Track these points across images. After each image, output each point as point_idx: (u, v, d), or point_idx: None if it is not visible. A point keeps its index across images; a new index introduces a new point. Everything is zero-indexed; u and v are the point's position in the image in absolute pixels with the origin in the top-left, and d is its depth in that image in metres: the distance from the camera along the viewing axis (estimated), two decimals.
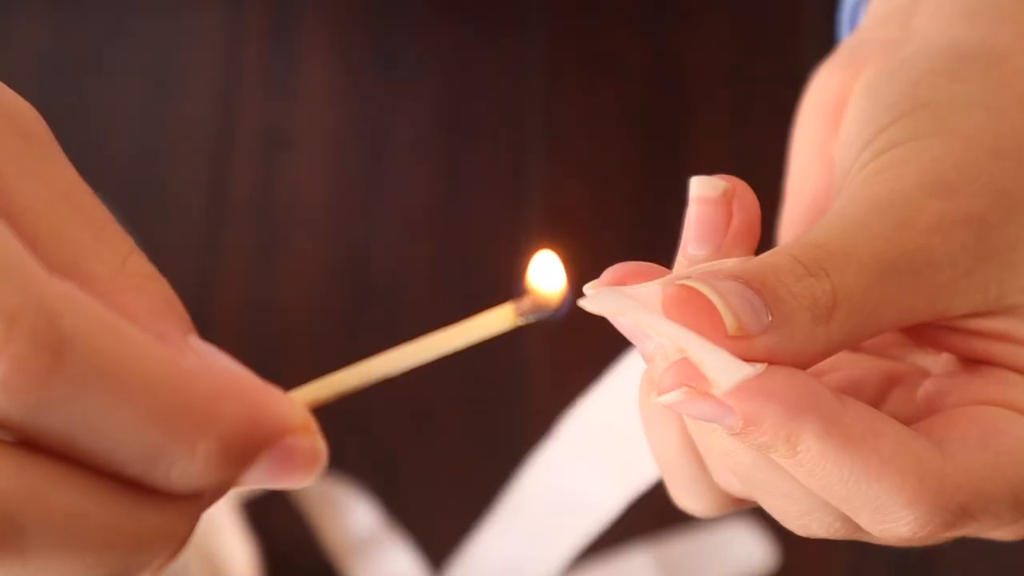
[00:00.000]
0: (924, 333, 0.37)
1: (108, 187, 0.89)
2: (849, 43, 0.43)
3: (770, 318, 0.33)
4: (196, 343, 0.29)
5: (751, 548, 0.83)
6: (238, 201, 0.92)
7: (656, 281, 0.34)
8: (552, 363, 0.87)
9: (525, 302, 0.32)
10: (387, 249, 0.91)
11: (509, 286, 0.89)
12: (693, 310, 0.33)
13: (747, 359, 0.33)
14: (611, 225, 0.92)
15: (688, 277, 0.33)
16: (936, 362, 0.39)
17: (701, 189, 0.36)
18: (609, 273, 0.35)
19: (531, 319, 0.33)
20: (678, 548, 0.82)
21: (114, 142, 0.93)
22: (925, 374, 0.39)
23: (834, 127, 0.41)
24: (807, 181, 0.43)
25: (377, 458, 0.84)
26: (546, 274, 0.33)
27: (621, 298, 0.34)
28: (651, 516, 0.82)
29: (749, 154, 0.94)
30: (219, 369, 0.28)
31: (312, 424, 0.29)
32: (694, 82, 0.98)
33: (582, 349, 0.86)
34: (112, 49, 0.96)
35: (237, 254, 0.90)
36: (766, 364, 0.33)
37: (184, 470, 0.27)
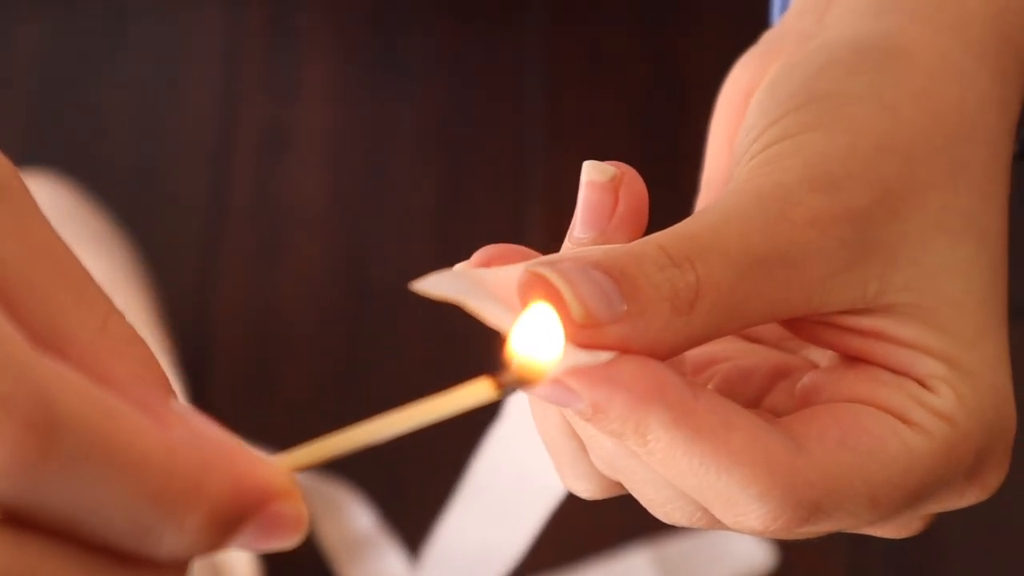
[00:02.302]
0: (803, 328, 0.37)
1: (108, 187, 0.89)
2: (769, 34, 0.43)
3: (625, 307, 0.33)
4: (178, 408, 0.28)
5: (750, 547, 0.83)
6: (238, 201, 0.92)
7: (518, 265, 0.34)
8: None
9: (507, 374, 0.32)
10: (387, 249, 0.91)
11: None
12: (541, 296, 0.32)
13: (598, 347, 0.32)
14: None
15: (545, 263, 0.33)
16: (825, 357, 0.39)
17: (590, 174, 0.36)
18: (478, 255, 0.35)
19: (513, 391, 0.32)
20: (677, 548, 0.82)
21: (114, 142, 0.93)
22: (815, 368, 0.39)
23: (741, 118, 0.41)
24: (716, 172, 0.43)
25: (375, 462, 0.84)
26: (535, 339, 0.33)
27: (460, 283, 0.33)
28: (651, 516, 0.82)
29: None
30: (204, 438, 0.28)
31: (295, 489, 0.28)
32: (694, 82, 0.98)
33: None
34: (112, 49, 0.96)
35: (237, 254, 0.90)
36: (614, 352, 0.32)
37: (173, 543, 0.27)
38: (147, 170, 0.93)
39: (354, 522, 0.80)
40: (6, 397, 0.25)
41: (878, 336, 0.36)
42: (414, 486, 0.84)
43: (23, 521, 0.26)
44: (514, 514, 0.61)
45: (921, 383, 0.35)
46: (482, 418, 0.86)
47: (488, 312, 0.33)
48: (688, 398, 0.33)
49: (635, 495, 0.37)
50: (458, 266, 0.35)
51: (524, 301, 0.33)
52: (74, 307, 0.28)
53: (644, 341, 0.33)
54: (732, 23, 1.00)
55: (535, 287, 0.33)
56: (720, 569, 0.83)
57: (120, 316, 0.29)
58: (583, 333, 0.32)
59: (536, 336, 0.32)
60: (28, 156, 0.90)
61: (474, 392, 0.31)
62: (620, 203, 0.35)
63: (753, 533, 0.34)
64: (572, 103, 0.97)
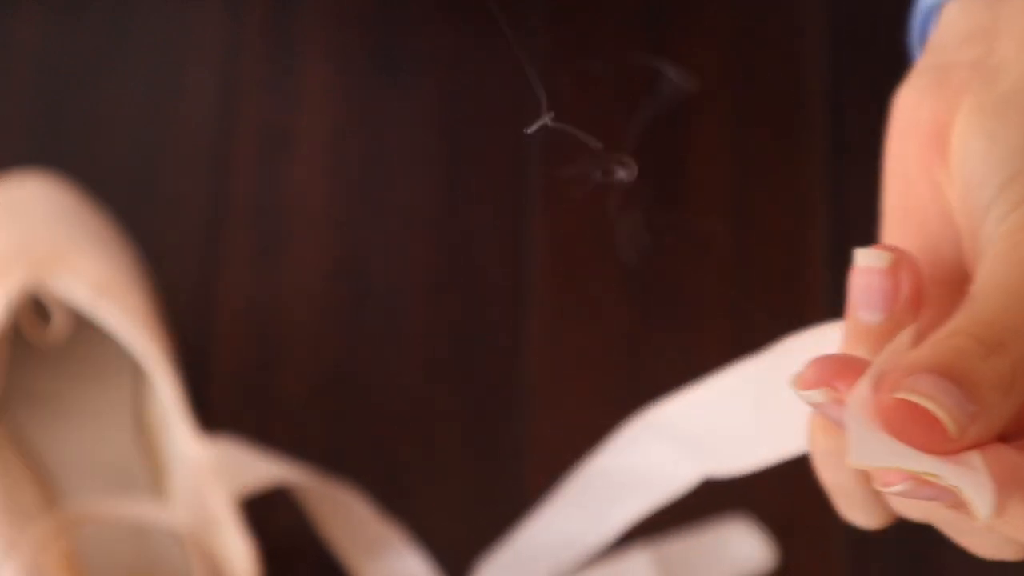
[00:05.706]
0: None
1: (108, 187, 0.89)
2: (931, 63, 0.43)
3: (973, 408, 0.34)
4: None
5: (750, 548, 0.83)
6: (238, 201, 0.92)
7: (862, 384, 0.35)
8: (551, 368, 0.87)
9: None
10: (387, 250, 0.91)
11: (510, 288, 0.90)
12: (914, 422, 0.34)
13: (958, 452, 0.34)
14: (610, 224, 0.92)
15: (898, 388, 0.34)
16: None
17: (868, 260, 0.37)
18: (816, 373, 0.36)
19: None
20: (677, 548, 0.82)
21: (113, 142, 0.93)
22: None
23: (936, 153, 0.42)
24: (913, 203, 0.43)
25: (377, 463, 0.84)
26: None
27: (886, 450, 0.34)
28: (650, 516, 0.82)
29: (749, 154, 0.95)
30: None
31: None
32: (694, 84, 0.98)
33: (582, 353, 0.86)
34: (112, 49, 0.96)
35: (237, 254, 0.90)
36: (977, 452, 0.34)
37: None
38: (147, 170, 0.93)
39: (361, 521, 0.80)
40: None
41: None
42: (416, 486, 0.84)
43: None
44: (610, 508, 0.61)
45: None
46: (479, 419, 0.86)
47: (910, 466, 0.34)
48: None
49: (956, 541, 0.39)
50: (851, 402, 0.35)
51: (894, 429, 0.34)
52: None
53: (989, 432, 0.35)
54: (732, 23, 1.00)
55: (908, 414, 0.34)
56: (720, 570, 0.82)
57: None
58: (954, 445, 0.34)
59: None
60: (28, 156, 0.90)
61: None
62: (904, 285, 0.37)
63: None
64: (572, 103, 0.97)
